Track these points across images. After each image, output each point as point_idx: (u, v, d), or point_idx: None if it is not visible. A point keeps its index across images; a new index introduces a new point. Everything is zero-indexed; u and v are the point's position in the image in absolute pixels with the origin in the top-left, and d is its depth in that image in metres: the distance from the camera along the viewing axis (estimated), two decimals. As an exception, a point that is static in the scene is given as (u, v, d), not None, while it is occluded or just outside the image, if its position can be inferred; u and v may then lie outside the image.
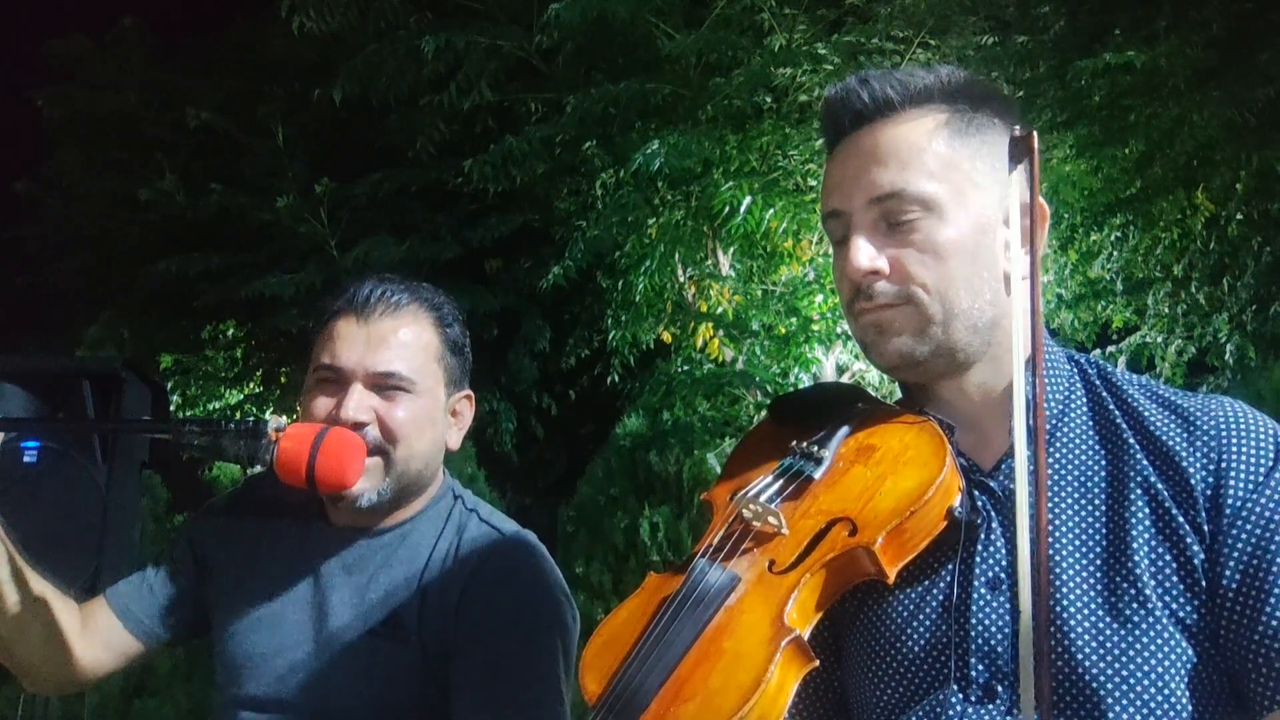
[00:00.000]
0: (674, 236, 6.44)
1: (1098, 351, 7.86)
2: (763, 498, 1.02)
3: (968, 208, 1.02)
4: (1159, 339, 7.90)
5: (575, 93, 6.21)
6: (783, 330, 6.00)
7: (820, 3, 6.21)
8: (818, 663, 0.91)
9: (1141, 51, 5.45)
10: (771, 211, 5.68)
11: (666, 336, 7.15)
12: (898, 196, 1.02)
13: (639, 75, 6.22)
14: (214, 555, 1.56)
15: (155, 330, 9.34)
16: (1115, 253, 7.49)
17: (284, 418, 1.30)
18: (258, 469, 1.40)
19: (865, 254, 1.02)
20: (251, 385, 9.85)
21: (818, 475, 1.03)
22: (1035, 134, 0.92)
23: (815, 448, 1.06)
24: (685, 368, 6.60)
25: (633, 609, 1.00)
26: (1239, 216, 7.19)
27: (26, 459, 2.15)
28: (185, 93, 8.31)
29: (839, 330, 5.78)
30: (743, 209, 5.67)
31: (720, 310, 6.46)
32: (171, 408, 8.59)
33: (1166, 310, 7.82)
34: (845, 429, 1.07)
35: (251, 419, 1.24)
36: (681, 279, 6.87)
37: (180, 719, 5.12)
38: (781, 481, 1.04)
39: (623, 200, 6.37)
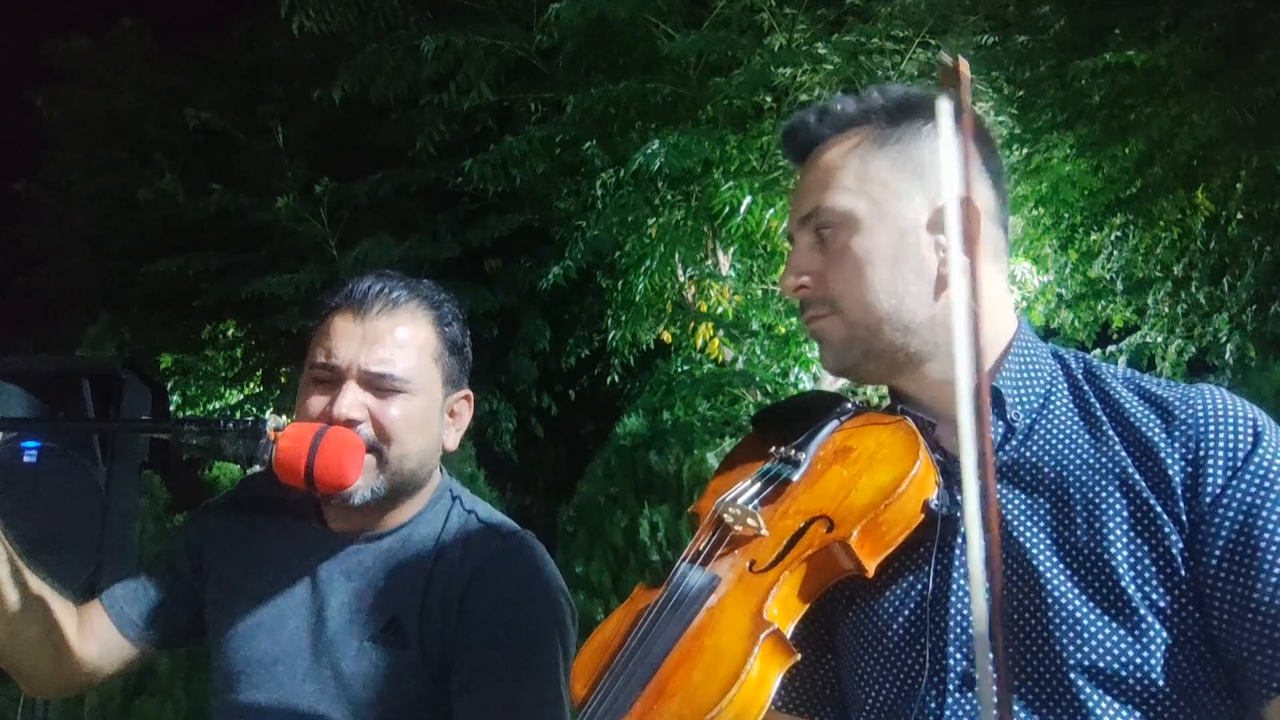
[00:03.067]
0: (674, 236, 6.45)
1: (1098, 351, 7.87)
2: (742, 500, 1.05)
3: (887, 216, 1.07)
4: (1159, 339, 7.91)
5: (575, 93, 6.21)
6: (783, 330, 6.01)
7: (820, 3, 6.21)
8: (799, 657, 0.93)
9: (1141, 51, 5.45)
10: (771, 211, 5.69)
11: (666, 336, 7.15)
12: (816, 213, 1.10)
13: (639, 75, 6.22)
14: (211, 557, 1.54)
15: (155, 330, 9.33)
16: (1115, 252, 7.51)
17: (283, 417, 1.29)
18: (257, 469, 1.39)
19: (789, 273, 1.12)
20: (251, 385, 9.84)
21: (796, 478, 1.07)
22: (965, 62, 0.92)
23: (794, 452, 1.10)
24: (685, 368, 6.60)
25: (619, 617, 1.03)
26: (1239, 216, 7.19)
27: (26, 459, 2.15)
28: (185, 93, 8.32)
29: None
30: (743, 209, 5.68)
31: (720, 310, 6.47)
32: (171, 408, 8.59)
33: (1166, 310, 7.82)
34: (823, 433, 1.11)
35: (250, 419, 1.24)
36: (681, 279, 6.87)
37: (180, 719, 5.12)
38: (760, 485, 1.08)
39: (623, 200, 6.37)
